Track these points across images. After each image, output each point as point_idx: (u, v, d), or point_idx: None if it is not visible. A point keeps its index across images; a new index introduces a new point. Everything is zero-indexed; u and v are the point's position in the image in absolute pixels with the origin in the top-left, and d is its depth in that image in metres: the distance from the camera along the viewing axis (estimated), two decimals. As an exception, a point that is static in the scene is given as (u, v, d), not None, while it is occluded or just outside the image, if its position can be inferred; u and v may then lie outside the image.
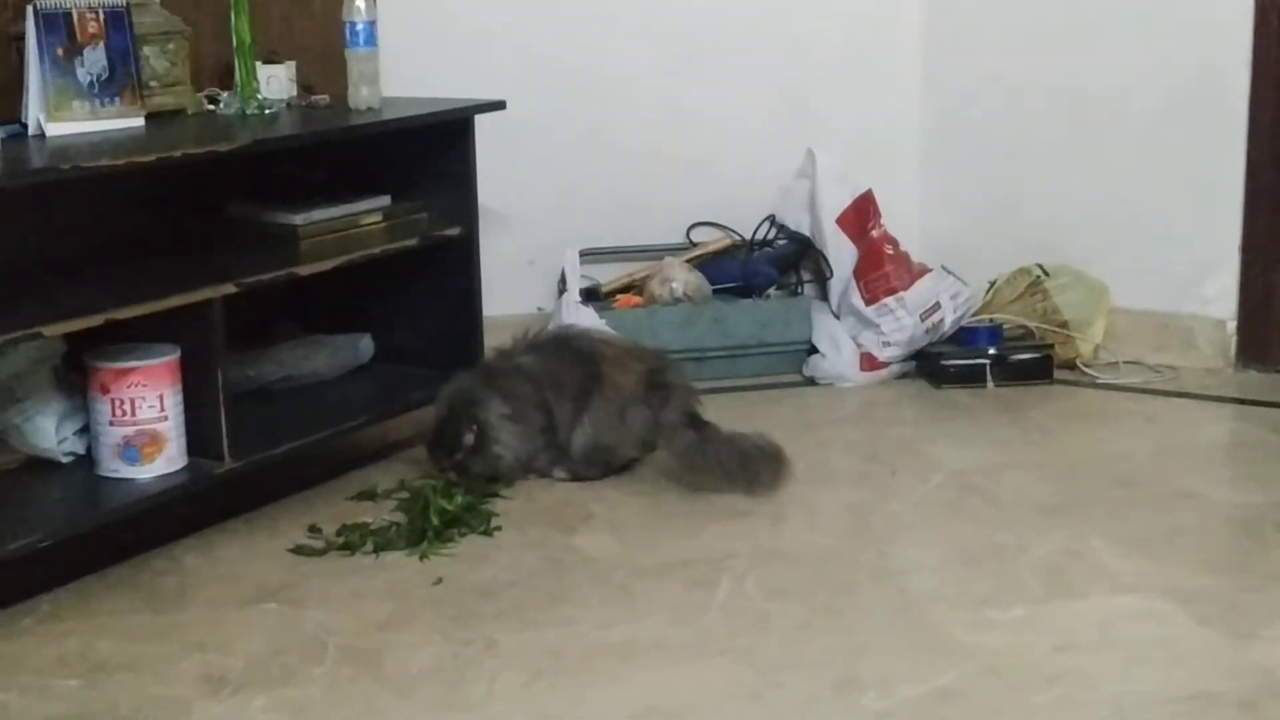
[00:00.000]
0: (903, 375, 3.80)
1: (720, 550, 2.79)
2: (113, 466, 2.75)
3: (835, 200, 3.85)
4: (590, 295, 3.79)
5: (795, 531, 2.89)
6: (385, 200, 3.32)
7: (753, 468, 3.00)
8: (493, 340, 3.39)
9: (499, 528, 2.91)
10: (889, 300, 3.75)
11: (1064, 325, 3.80)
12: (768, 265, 3.90)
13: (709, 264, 3.91)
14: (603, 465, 3.13)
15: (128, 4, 3.00)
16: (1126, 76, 3.81)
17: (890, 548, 2.83)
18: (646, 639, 2.46)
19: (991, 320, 3.82)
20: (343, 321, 3.42)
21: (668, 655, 2.41)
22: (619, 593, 2.64)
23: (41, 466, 2.82)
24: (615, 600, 2.61)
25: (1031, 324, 3.81)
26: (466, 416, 3.06)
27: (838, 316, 3.84)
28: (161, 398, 2.75)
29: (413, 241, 3.24)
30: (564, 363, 3.14)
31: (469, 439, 3.05)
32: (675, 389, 3.14)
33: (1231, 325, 3.77)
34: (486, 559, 2.79)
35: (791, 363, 3.83)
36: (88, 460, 2.81)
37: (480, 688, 2.32)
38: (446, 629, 2.51)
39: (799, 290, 3.93)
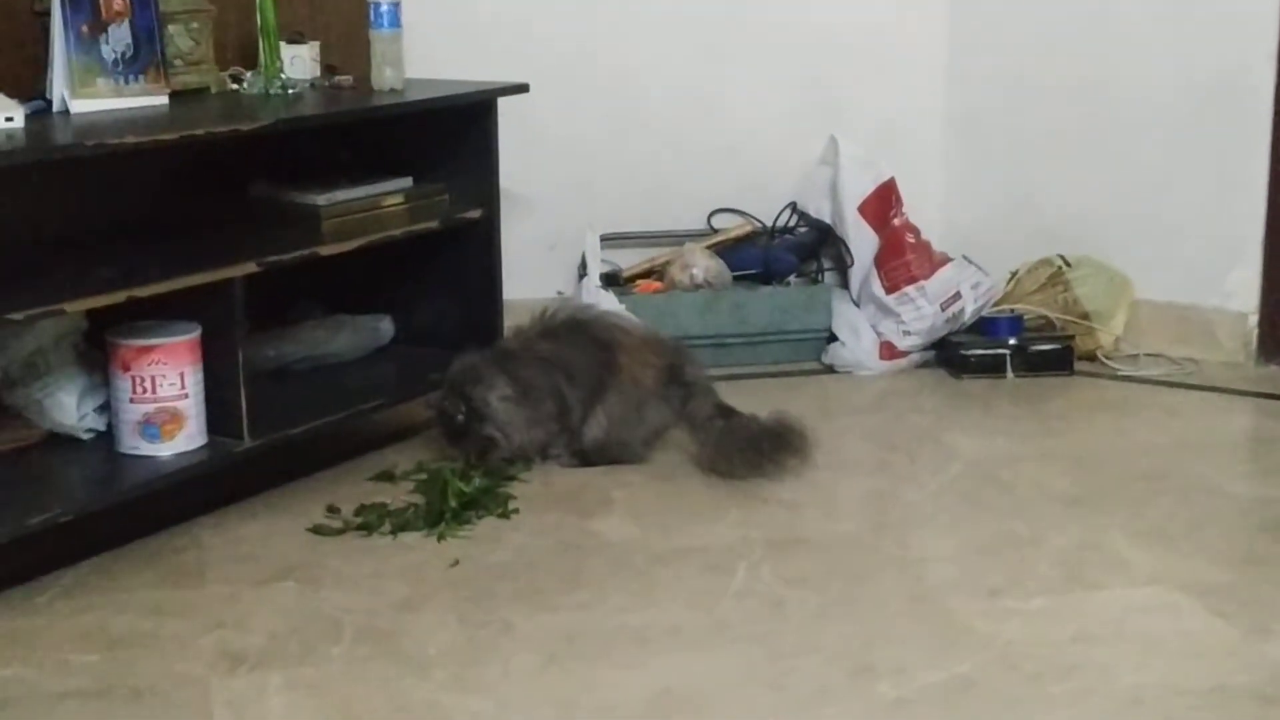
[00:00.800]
0: (922, 364, 3.79)
1: (737, 537, 2.79)
2: (133, 443, 2.76)
3: (857, 188, 3.83)
4: (610, 280, 3.79)
5: (813, 519, 2.88)
6: (407, 182, 3.32)
7: (773, 451, 2.99)
8: (511, 322, 3.40)
9: (516, 510, 2.91)
10: (910, 289, 3.74)
11: (1085, 317, 3.79)
12: (788, 252, 3.90)
13: (730, 250, 3.90)
14: (611, 458, 3.12)
15: (153, -18, 3.00)
16: (1151, 69, 3.79)
17: (908, 536, 2.83)
18: (663, 624, 2.46)
19: (1012, 311, 3.81)
20: (363, 302, 3.42)
21: (684, 640, 2.41)
22: (636, 577, 2.64)
23: (62, 443, 2.83)
24: (632, 585, 2.61)
25: (1052, 315, 3.80)
26: (459, 395, 3.06)
27: (858, 304, 3.83)
28: (182, 375, 2.75)
29: (434, 224, 3.24)
30: (579, 350, 3.12)
31: (459, 418, 3.05)
32: (695, 386, 3.13)
33: (1253, 319, 3.75)
34: (503, 542, 2.79)
35: (811, 350, 3.83)
36: (108, 437, 2.82)
37: (496, 669, 2.32)
38: (463, 610, 2.51)
39: (819, 278, 3.93)
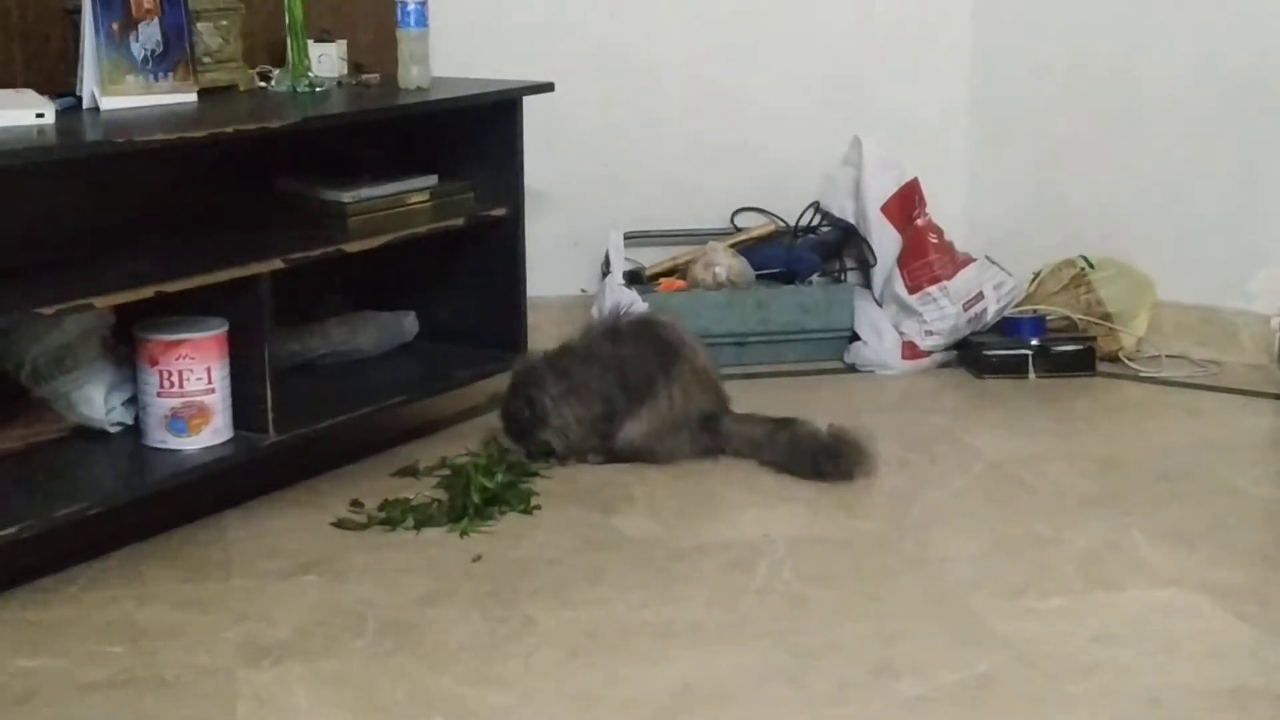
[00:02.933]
0: (944, 364, 3.79)
1: (759, 534, 2.79)
2: (160, 437, 2.78)
3: (880, 188, 3.83)
4: (634, 278, 3.79)
5: (834, 517, 2.89)
6: (433, 180, 3.33)
7: (841, 459, 3.00)
8: (534, 320, 3.42)
9: (539, 506, 2.92)
10: (932, 289, 3.74)
11: (1108, 318, 3.78)
12: (811, 252, 3.89)
13: (753, 249, 3.91)
14: (637, 460, 3.11)
15: (183, -20, 3.02)
16: (1176, 69, 3.78)
17: (929, 536, 2.83)
18: (684, 620, 2.47)
19: (1035, 311, 3.81)
20: (388, 299, 3.44)
21: (704, 637, 2.42)
22: (657, 574, 2.65)
23: (89, 436, 2.85)
24: (653, 581, 2.62)
25: (1075, 316, 3.80)
26: (524, 395, 3.08)
27: (880, 304, 3.83)
28: (209, 370, 2.77)
29: (459, 221, 3.25)
30: (641, 348, 3.11)
31: (526, 415, 3.07)
32: (726, 437, 3.12)
33: (1276, 321, 3.73)
34: (526, 537, 2.80)
35: (833, 350, 3.83)
36: (135, 431, 2.83)
37: (517, 664, 2.33)
38: (485, 605, 2.52)
39: (842, 277, 3.93)
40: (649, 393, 3.08)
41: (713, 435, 3.13)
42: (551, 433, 3.09)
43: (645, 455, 3.10)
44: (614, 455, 3.12)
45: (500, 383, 3.21)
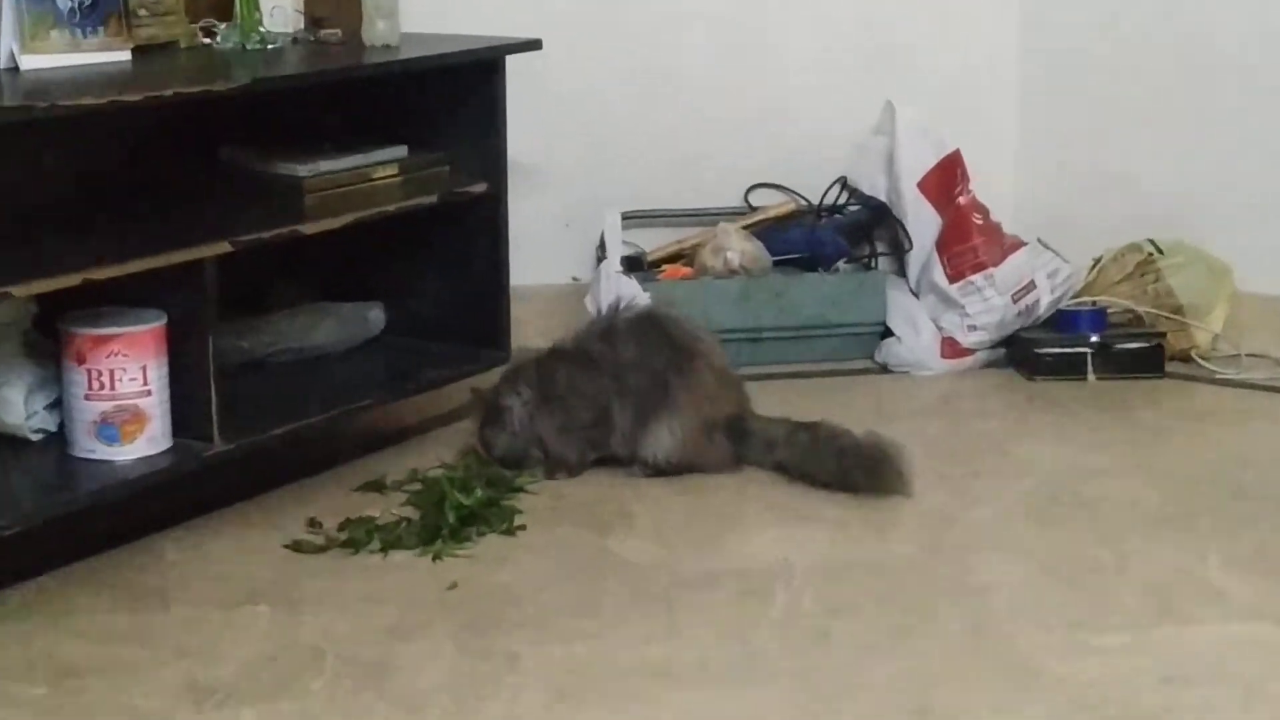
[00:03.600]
0: (990, 364, 3.80)
1: (776, 558, 2.80)
2: (88, 446, 2.79)
3: (917, 161, 3.85)
4: (633, 264, 3.81)
5: (862, 539, 2.90)
6: (402, 151, 3.34)
7: (873, 469, 3.02)
8: (519, 312, 3.43)
9: (523, 526, 2.93)
10: (976, 278, 3.75)
11: (1179, 311, 3.79)
12: (837, 234, 3.90)
13: (770, 232, 3.92)
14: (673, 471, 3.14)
15: (115, -79, 3.03)
16: (1258, 29, 3.79)
17: (971, 561, 2.84)
18: (688, 658, 2.48)
19: (1095, 303, 3.82)
20: (351, 288, 3.45)
21: (712, 676, 2.43)
22: (658, 604, 2.65)
23: (7, 445, 2.85)
24: (654, 612, 2.63)
25: (1141, 309, 3.80)
26: (491, 397, 3.12)
27: (916, 295, 3.85)
28: (145, 370, 2.78)
29: (432, 199, 3.26)
30: (646, 350, 3.12)
31: (492, 405, 3.12)
32: (754, 436, 3.14)
33: (1371, 315, 3.76)
34: (508, 561, 2.81)
35: (863, 347, 3.84)
36: (59, 439, 2.84)
37: (498, 708, 2.34)
38: (461, 640, 2.53)
39: (872, 264, 3.94)
40: (667, 401, 3.09)
41: (741, 441, 3.14)
42: (503, 433, 3.10)
43: (684, 468, 3.11)
44: (659, 471, 3.11)
45: (479, 384, 3.22)
